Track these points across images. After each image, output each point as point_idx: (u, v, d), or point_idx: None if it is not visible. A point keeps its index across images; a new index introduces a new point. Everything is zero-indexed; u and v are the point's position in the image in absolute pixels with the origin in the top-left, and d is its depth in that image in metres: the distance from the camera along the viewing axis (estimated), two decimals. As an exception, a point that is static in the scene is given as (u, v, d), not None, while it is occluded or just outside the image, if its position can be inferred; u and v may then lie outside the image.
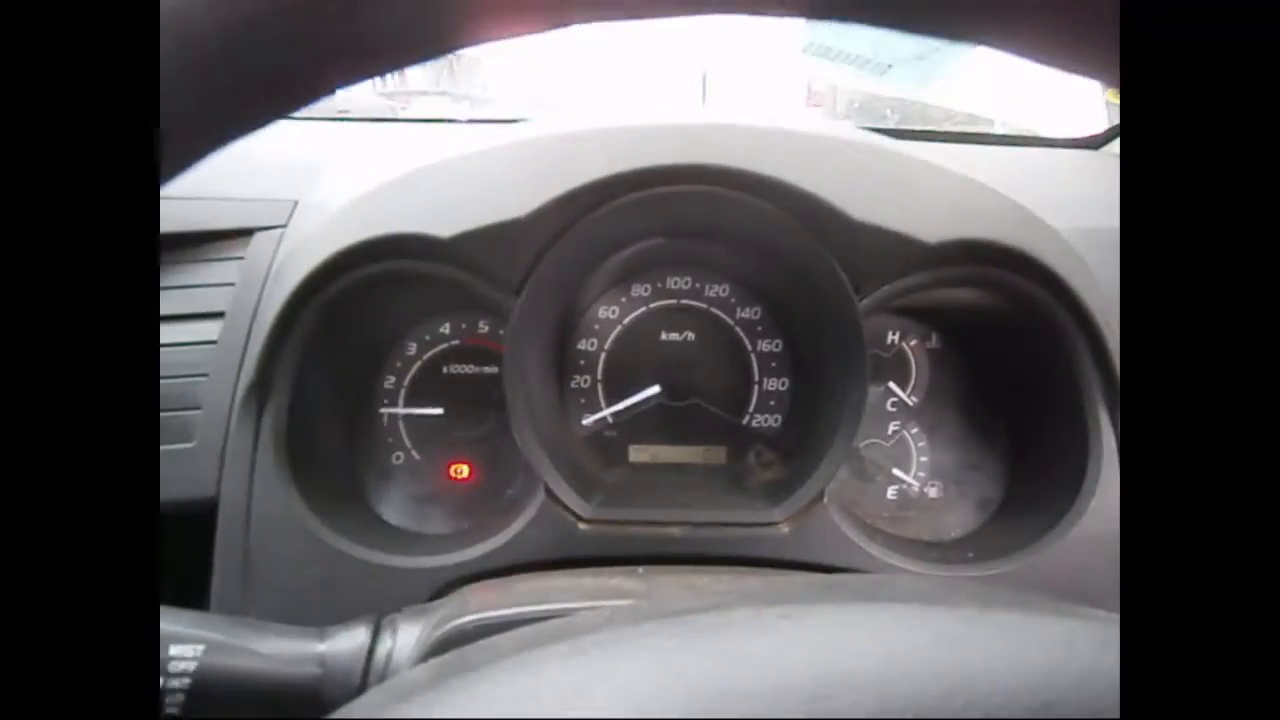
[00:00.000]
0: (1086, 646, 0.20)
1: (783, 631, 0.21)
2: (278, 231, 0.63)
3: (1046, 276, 0.56)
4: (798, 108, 1.45)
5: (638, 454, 0.71)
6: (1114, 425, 0.57)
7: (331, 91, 0.20)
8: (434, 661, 0.24)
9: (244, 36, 0.17)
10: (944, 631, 0.21)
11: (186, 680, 0.39)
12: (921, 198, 0.56)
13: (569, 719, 0.18)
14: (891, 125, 1.14)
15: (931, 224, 0.54)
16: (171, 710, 0.39)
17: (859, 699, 0.17)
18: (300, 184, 0.66)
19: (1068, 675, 0.18)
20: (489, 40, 0.19)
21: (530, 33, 0.19)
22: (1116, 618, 0.21)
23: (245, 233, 0.63)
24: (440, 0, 0.18)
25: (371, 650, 0.44)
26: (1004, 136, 0.97)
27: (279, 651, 0.42)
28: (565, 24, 0.19)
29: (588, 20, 0.20)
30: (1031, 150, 0.89)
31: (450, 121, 0.91)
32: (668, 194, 0.54)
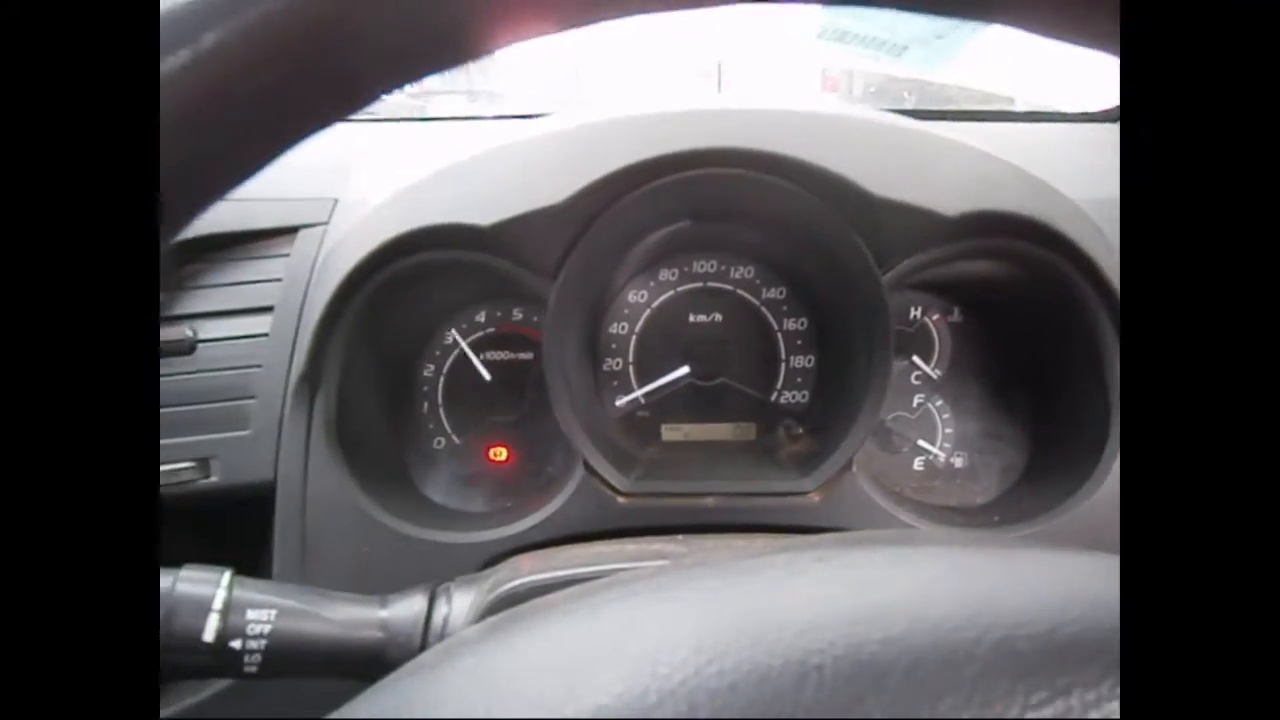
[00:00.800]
0: (1097, 572, 0.22)
1: (819, 570, 0.23)
2: (320, 228, 0.65)
3: (1065, 246, 0.57)
4: (813, 93, 1.46)
5: (670, 433, 0.74)
6: None
7: (370, 101, 0.20)
8: (488, 620, 0.25)
9: (297, 46, 0.18)
10: (969, 565, 0.23)
11: (263, 642, 0.42)
12: (941, 173, 0.58)
13: (629, 650, 0.19)
14: (910, 106, 1.14)
15: (951, 198, 0.56)
16: (250, 669, 0.42)
17: (892, 623, 0.18)
18: (338, 183, 0.69)
19: (1082, 602, 0.19)
20: (520, 40, 0.20)
21: (563, 30, 0.20)
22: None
23: (290, 230, 0.66)
24: (474, 5, 0.19)
25: (429, 615, 0.46)
26: (1021, 113, 0.98)
27: (344, 617, 0.45)
28: (591, 21, 0.20)
29: (619, 15, 0.20)
30: (1049, 125, 0.90)
31: (475, 119, 0.94)
32: (695, 177, 0.56)
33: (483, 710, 0.19)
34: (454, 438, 0.72)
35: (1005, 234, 0.58)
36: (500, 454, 0.72)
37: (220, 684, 0.60)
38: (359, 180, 0.69)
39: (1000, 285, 0.65)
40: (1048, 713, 0.16)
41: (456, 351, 0.72)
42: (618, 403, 0.73)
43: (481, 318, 0.72)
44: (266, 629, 0.43)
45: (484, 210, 0.57)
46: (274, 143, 0.20)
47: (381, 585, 0.48)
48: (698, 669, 0.18)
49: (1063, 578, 0.21)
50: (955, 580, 0.22)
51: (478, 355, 0.72)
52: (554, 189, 0.56)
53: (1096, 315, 0.59)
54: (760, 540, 0.55)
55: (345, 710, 0.20)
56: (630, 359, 0.73)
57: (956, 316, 0.72)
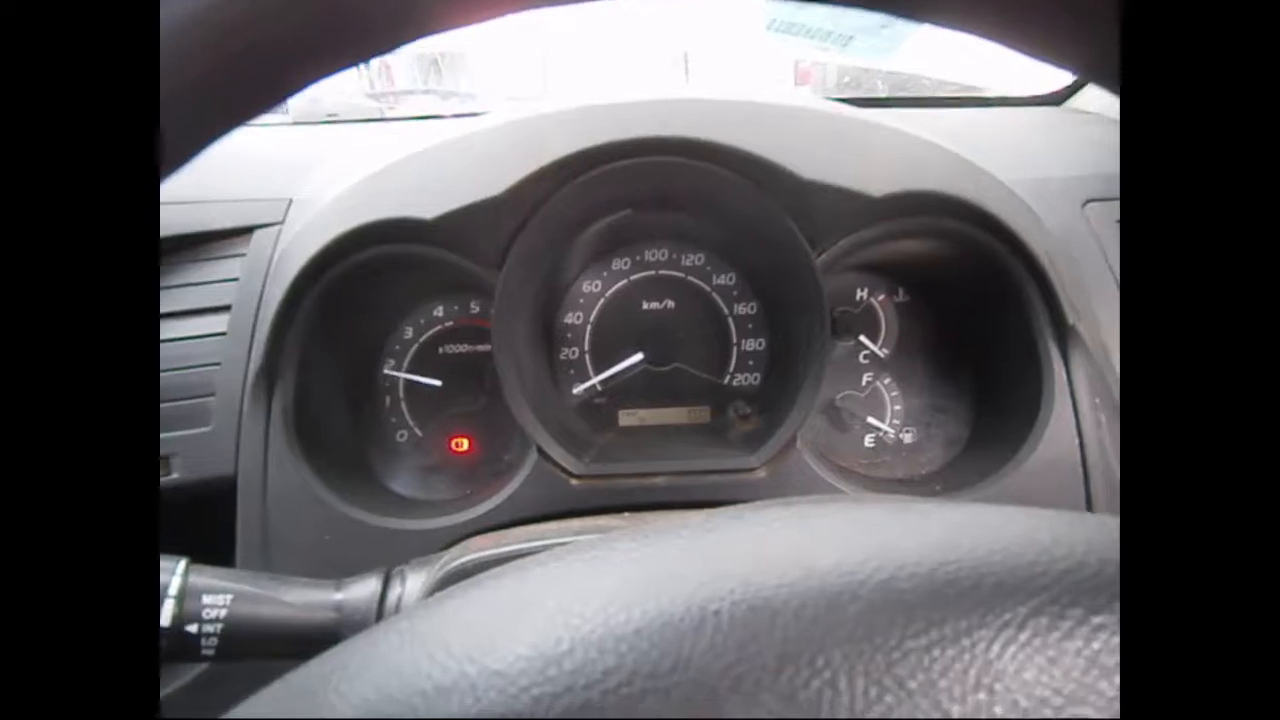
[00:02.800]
0: (982, 521, 0.24)
1: (730, 529, 0.25)
2: (275, 228, 0.67)
3: (990, 222, 0.60)
4: (785, 84, 1.47)
5: (627, 418, 0.76)
6: (1063, 359, 0.61)
7: (316, 80, 0.21)
8: (435, 595, 0.27)
9: (237, 34, 0.18)
10: (867, 519, 0.25)
11: (219, 625, 0.44)
12: (868, 156, 0.60)
13: (547, 605, 0.21)
14: (883, 94, 1.16)
15: (878, 179, 0.58)
16: (207, 652, 0.44)
17: (786, 572, 0.20)
18: (294, 183, 0.70)
19: (962, 545, 0.22)
20: (470, 23, 0.20)
21: (510, 13, 0.20)
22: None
23: (246, 231, 0.67)
24: None
25: (383, 596, 0.48)
26: (972, 99, 1.00)
27: (300, 600, 0.46)
28: (540, 6, 0.21)
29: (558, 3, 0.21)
30: (998, 110, 0.93)
31: (435, 118, 0.95)
32: (631, 166, 0.58)
33: (410, 665, 0.20)
34: (416, 430, 0.74)
35: (930, 212, 0.60)
36: (462, 444, 0.74)
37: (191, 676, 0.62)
38: (313, 180, 0.70)
39: (939, 264, 0.67)
40: (923, 641, 0.18)
41: (415, 347, 0.74)
42: (575, 390, 0.75)
43: (439, 311, 0.74)
44: (222, 613, 0.44)
45: (428, 204, 0.58)
46: (215, 128, 0.20)
47: (343, 574, 0.49)
48: (608, 618, 0.19)
49: (951, 525, 0.23)
50: (852, 532, 0.23)
51: (437, 349, 0.74)
52: (495, 181, 0.57)
53: (1025, 288, 0.61)
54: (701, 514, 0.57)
55: (284, 679, 0.21)
56: (586, 347, 0.75)
57: (901, 296, 0.74)
